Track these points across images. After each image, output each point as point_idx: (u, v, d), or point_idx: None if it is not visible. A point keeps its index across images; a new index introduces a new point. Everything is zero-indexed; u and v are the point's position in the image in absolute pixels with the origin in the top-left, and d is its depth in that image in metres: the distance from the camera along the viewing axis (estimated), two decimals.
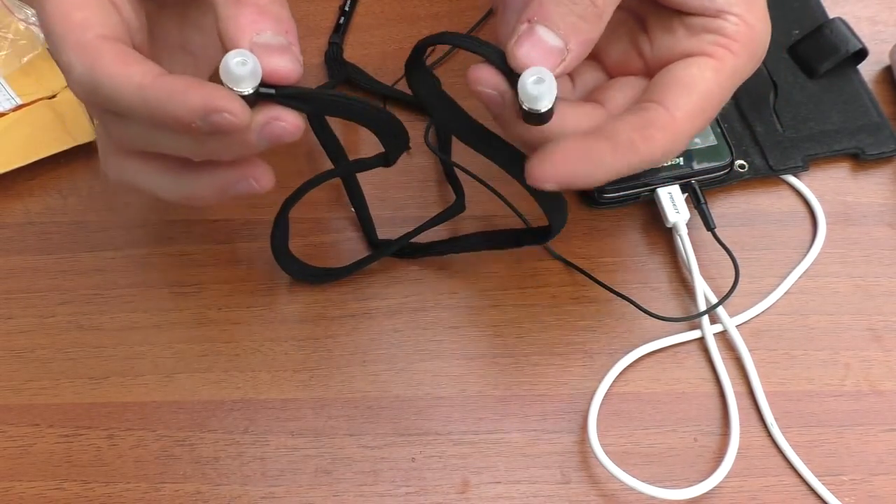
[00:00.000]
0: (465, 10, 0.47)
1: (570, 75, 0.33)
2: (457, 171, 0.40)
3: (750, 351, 0.38)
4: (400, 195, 0.42)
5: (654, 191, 0.40)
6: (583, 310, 0.39)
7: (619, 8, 0.29)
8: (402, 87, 0.44)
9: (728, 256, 0.38)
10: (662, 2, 0.31)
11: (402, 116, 0.43)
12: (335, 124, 0.38)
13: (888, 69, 0.45)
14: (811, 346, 0.38)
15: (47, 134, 0.41)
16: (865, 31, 0.45)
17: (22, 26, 0.44)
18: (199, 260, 0.40)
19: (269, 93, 0.28)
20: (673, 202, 0.40)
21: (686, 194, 0.40)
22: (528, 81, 0.27)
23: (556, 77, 0.28)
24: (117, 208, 0.41)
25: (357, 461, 0.36)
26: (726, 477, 0.35)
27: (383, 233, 0.40)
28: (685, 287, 0.40)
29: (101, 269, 0.40)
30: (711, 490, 0.35)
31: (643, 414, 0.37)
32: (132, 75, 0.27)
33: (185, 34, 0.34)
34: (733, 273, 0.38)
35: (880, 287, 0.40)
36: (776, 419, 0.36)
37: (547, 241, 0.38)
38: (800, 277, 0.40)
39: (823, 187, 0.42)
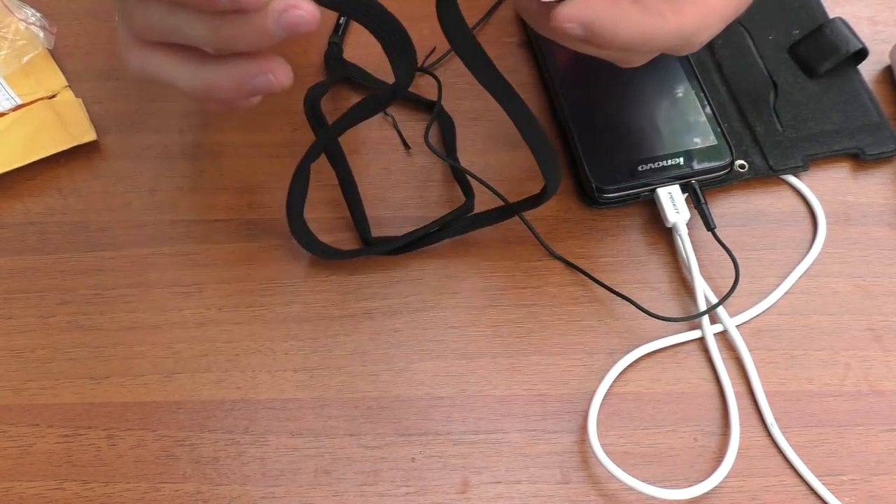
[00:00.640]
0: (466, 10, 0.47)
1: None
2: (460, 168, 0.40)
3: (750, 351, 0.38)
4: (400, 195, 0.42)
5: (654, 191, 0.40)
6: (583, 310, 0.39)
7: None
8: None
9: (728, 256, 0.38)
10: None
11: (404, 112, 0.44)
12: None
13: (888, 69, 0.45)
14: (811, 346, 0.38)
15: (47, 134, 0.41)
16: (865, 31, 0.45)
17: (22, 26, 0.44)
18: (199, 260, 0.40)
19: None
20: (673, 202, 0.40)
21: (686, 194, 0.40)
22: None
23: None
24: (117, 208, 0.41)
25: (357, 461, 0.36)
26: (726, 477, 0.35)
27: (383, 233, 0.40)
28: (685, 287, 0.40)
29: (101, 269, 0.40)
30: (711, 490, 0.35)
31: (643, 414, 0.37)
32: None
33: None
34: (733, 273, 0.38)
35: (880, 287, 0.40)
36: (776, 419, 0.36)
37: (541, 204, 0.38)
38: (800, 277, 0.40)
39: (823, 187, 0.42)
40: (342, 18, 0.46)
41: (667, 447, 0.36)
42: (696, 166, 0.40)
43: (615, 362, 0.37)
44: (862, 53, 0.43)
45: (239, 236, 0.41)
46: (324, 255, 0.39)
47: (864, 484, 0.35)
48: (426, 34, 0.46)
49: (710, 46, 0.45)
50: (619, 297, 0.38)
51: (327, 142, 0.38)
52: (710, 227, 0.39)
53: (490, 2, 0.47)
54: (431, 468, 0.36)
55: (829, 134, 0.42)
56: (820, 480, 0.35)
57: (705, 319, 0.38)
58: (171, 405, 0.37)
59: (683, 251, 0.39)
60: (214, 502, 0.35)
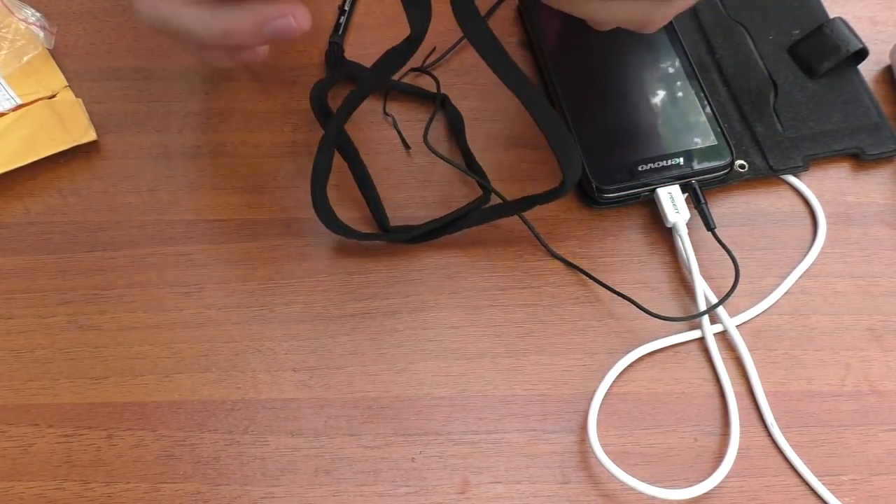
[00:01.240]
0: None
1: None
2: (459, 168, 0.40)
3: (750, 351, 0.38)
4: (400, 195, 0.42)
5: (654, 191, 0.40)
6: (583, 310, 0.39)
7: None
8: (404, 82, 0.44)
9: (728, 256, 0.38)
10: None
11: (404, 112, 0.44)
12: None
13: (888, 69, 0.45)
14: (811, 346, 0.38)
15: (47, 134, 0.41)
16: (866, 31, 0.45)
17: (22, 26, 0.44)
18: (199, 260, 0.40)
19: None
20: (673, 202, 0.40)
21: (686, 194, 0.40)
22: None
23: None
24: (117, 208, 0.41)
25: (357, 461, 0.36)
26: (726, 477, 0.35)
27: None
28: (685, 287, 0.40)
29: (101, 269, 0.40)
30: (711, 490, 0.35)
31: (643, 414, 0.37)
32: None
33: None
34: (733, 273, 0.38)
35: (880, 287, 0.40)
36: (776, 419, 0.36)
37: (561, 196, 0.38)
38: (800, 277, 0.40)
39: (823, 187, 0.42)
40: (342, 18, 0.46)
41: (667, 447, 0.36)
42: (696, 166, 0.40)
43: (615, 362, 0.37)
44: (862, 53, 0.43)
45: (239, 236, 0.41)
46: (344, 235, 0.39)
47: (864, 484, 0.35)
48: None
49: (711, 46, 0.45)
50: (619, 297, 0.38)
51: (360, 101, 0.37)
52: (710, 227, 0.39)
53: (490, 2, 0.47)
54: (431, 468, 0.36)
55: (829, 134, 0.42)
56: (820, 480, 0.35)
57: (705, 319, 0.38)
58: (171, 405, 0.37)
59: (683, 251, 0.39)
60: (214, 502, 0.35)
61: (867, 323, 0.39)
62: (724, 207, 0.41)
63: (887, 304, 0.39)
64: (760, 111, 0.43)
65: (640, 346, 0.38)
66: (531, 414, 0.37)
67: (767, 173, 0.42)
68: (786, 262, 0.40)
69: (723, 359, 0.38)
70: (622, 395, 0.37)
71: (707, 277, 0.39)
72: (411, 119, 0.44)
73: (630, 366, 0.38)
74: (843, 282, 0.40)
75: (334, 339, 0.38)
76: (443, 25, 0.46)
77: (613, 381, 0.37)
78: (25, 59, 0.43)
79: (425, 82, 0.45)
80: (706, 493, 0.35)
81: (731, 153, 0.40)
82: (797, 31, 0.45)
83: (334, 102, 0.44)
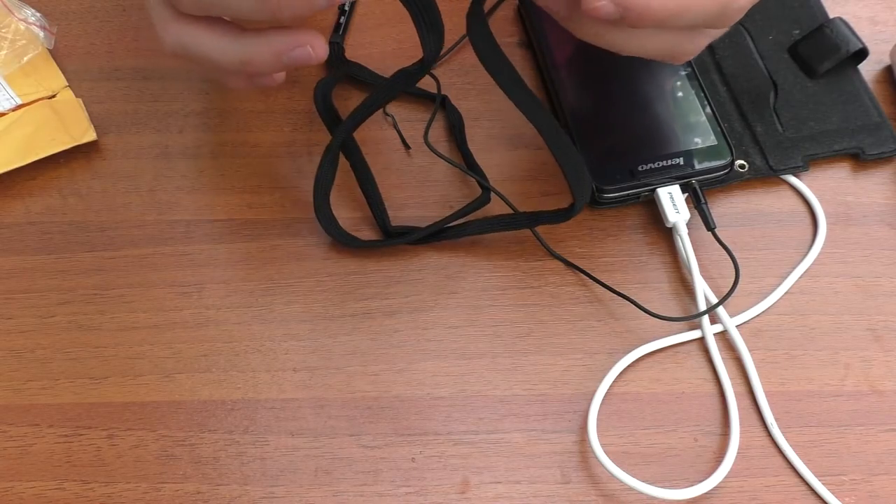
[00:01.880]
0: (465, 9, 0.47)
1: None
2: (459, 168, 0.40)
3: (750, 351, 0.38)
4: (400, 195, 0.42)
5: (654, 191, 0.40)
6: (583, 310, 0.39)
7: None
8: None
9: (728, 256, 0.38)
10: None
11: (404, 112, 0.44)
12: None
13: (888, 69, 0.45)
14: (811, 346, 0.38)
15: (47, 134, 0.41)
16: (866, 31, 0.45)
17: (22, 26, 0.44)
18: (199, 260, 0.40)
19: None
20: (673, 202, 0.39)
21: (686, 194, 0.40)
22: None
23: None
24: (117, 208, 0.41)
25: (357, 461, 0.36)
26: (726, 477, 0.35)
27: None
28: (685, 287, 0.40)
29: (101, 269, 0.40)
30: (711, 490, 0.35)
31: (643, 414, 0.37)
32: None
33: None
34: (733, 273, 0.38)
35: (880, 287, 0.40)
36: (776, 419, 0.36)
37: (569, 218, 0.38)
38: (800, 277, 0.40)
39: (823, 187, 0.42)
40: (342, 18, 0.46)
41: (667, 447, 0.36)
42: (697, 166, 0.40)
43: (615, 362, 0.37)
44: (862, 53, 0.43)
45: (239, 236, 0.41)
46: (347, 243, 0.39)
47: (864, 484, 0.35)
48: None
49: (710, 46, 0.45)
50: (619, 297, 0.38)
51: (366, 117, 0.38)
52: (710, 227, 0.39)
53: (490, 2, 0.47)
54: (431, 468, 0.36)
55: (829, 134, 0.42)
56: (820, 480, 0.35)
57: (705, 319, 0.38)
58: (171, 405, 0.37)
59: (683, 251, 0.39)
60: (214, 502, 0.35)
61: (867, 323, 0.39)
62: (724, 207, 0.41)
63: (887, 304, 0.39)
64: (760, 111, 0.43)
65: (640, 346, 0.38)
66: (531, 414, 0.37)
67: (767, 173, 0.42)
68: (786, 262, 0.40)
69: (723, 359, 0.38)
70: (622, 395, 0.37)
71: (707, 277, 0.39)
72: (411, 119, 0.44)
73: (630, 366, 0.38)
74: (843, 282, 0.40)
75: (334, 339, 0.38)
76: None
77: (613, 381, 0.37)
78: (25, 59, 0.43)
79: (425, 82, 0.44)
80: (706, 493, 0.35)
81: (731, 153, 0.40)
82: (797, 31, 0.45)
83: (336, 103, 0.44)
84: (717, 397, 0.37)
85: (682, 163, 0.40)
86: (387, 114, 0.44)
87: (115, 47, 0.46)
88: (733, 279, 0.38)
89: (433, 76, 0.44)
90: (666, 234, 0.41)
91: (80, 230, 0.41)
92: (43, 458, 0.36)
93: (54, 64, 0.44)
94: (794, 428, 0.36)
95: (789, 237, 0.41)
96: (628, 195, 0.40)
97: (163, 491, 0.35)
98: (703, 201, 0.40)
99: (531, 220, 0.39)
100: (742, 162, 0.42)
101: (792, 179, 0.42)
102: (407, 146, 0.43)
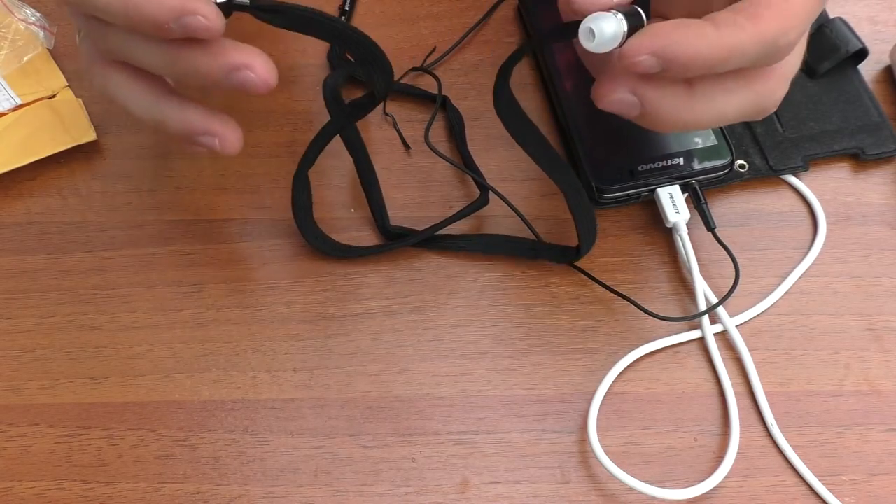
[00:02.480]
0: (466, 9, 0.47)
1: None
2: (460, 168, 0.40)
3: (750, 351, 0.38)
4: (400, 195, 0.42)
5: (654, 191, 0.40)
6: (583, 310, 0.39)
7: None
8: (405, 82, 0.44)
9: (728, 256, 0.38)
10: None
11: (404, 112, 0.44)
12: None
13: (888, 69, 0.45)
14: (811, 346, 0.38)
15: (47, 134, 0.41)
16: (866, 31, 0.45)
17: (22, 26, 0.44)
18: (199, 260, 0.40)
19: (242, 3, 0.29)
20: (673, 202, 0.39)
21: (686, 194, 0.40)
22: (582, 38, 0.29)
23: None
24: (117, 208, 0.41)
25: (357, 461, 0.36)
26: (726, 477, 0.35)
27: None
28: (685, 287, 0.40)
29: (101, 269, 0.40)
30: (711, 490, 0.35)
31: (643, 414, 0.37)
32: None
33: None
34: (733, 273, 0.38)
35: (880, 287, 0.40)
36: (776, 419, 0.36)
37: (573, 261, 0.39)
38: (800, 277, 0.40)
39: (823, 187, 0.42)
40: (342, 18, 0.46)
41: (667, 447, 0.36)
42: (697, 166, 0.40)
43: (615, 362, 0.37)
44: (862, 53, 0.43)
45: (239, 236, 0.41)
46: (342, 255, 0.39)
47: (864, 484, 0.35)
48: (425, 34, 0.46)
49: None
50: (619, 297, 0.38)
51: (321, 148, 0.39)
52: (710, 227, 0.39)
53: (490, 2, 0.47)
54: (431, 468, 0.36)
55: (829, 134, 0.42)
56: (820, 480, 0.35)
57: (705, 319, 0.38)
58: (171, 405, 0.37)
59: (683, 251, 0.39)
60: (214, 502, 0.35)
61: (867, 323, 0.39)
62: (724, 207, 0.41)
63: (887, 304, 0.39)
64: None
65: (640, 346, 0.38)
66: (531, 414, 0.37)
67: (767, 173, 0.42)
68: (786, 262, 0.40)
69: (723, 359, 0.38)
70: (622, 395, 0.37)
71: (707, 277, 0.39)
72: (411, 119, 0.44)
73: (630, 366, 0.38)
74: (843, 282, 0.40)
75: (334, 339, 0.38)
76: (443, 25, 0.47)
77: (613, 381, 0.37)
78: (25, 59, 0.43)
79: (425, 82, 0.45)
80: (706, 493, 0.35)
81: (731, 153, 0.40)
82: None
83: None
84: (717, 397, 0.37)
85: (681, 163, 0.40)
86: (387, 114, 0.44)
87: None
88: (733, 279, 0.38)
89: (435, 76, 0.44)
90: (666, 234, 0.41)
91: (80, 230, 0.41)
92: (43, 458, 0.36)
93: (54, 64, 0.44)
94: (794, 428, 0.36)
95: (789, 237, 0.41)
96: (628, 195, 0.40)
97: (163, 491, 0.35)
98: (703, 201, 0.40)
99: (533, 251, 0.40)
100: (742, 162, 0.42)
101: (792, 179, 0.42)
102: (407, 146, 0.43)
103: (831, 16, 0.45)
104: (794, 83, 0.43)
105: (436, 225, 0.39)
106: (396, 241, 0.40)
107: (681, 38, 0.28)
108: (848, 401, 0.37)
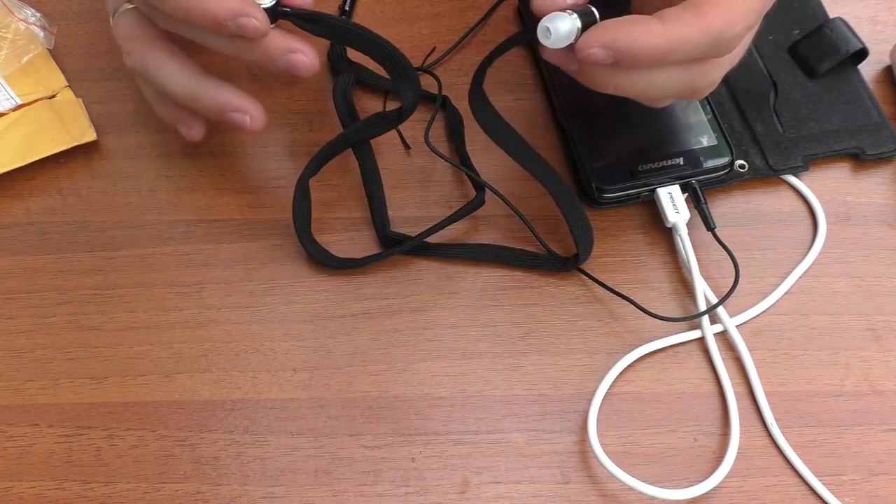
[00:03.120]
0: (465, 9, 0.47)
1: None
2: (460, 168, 0.40)
3: (750, 351, 0.38)
4: (400, 195, 0.42)
5: (654, 191, 0.40)
6: (583, 310, 0.39)
7: None
8: None
9: (728, 256, 0.38)
10: None
11: None
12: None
13: (888, 69, 0.45)
14: (811, 346, 0.38)
15: (47, 134, 0.41)
16: (866, 31, 0.45)
17: (22, 26, 0.44)
18: (199, 260, 0.40)
19: (285, 10, 0.34)
20: (673, 202, 0.39)
21: (686, 194, 0.40)
22: (540, 35, 0.32)
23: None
24: (117, 208, 0.41)
25: (357, 461, 0.36)
26: (726, 477, 0.35)
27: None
28: (685, 287, 0.40)
29: (101, 269, 0.40)
30: (711, 490, 0.35)
31: (643, 414, 0.37)
32: None
33: None
34: (733, 273, 0.38)
35: (880, 287, 0.40)
36: (776, 419, 0.36)
37: (570, 270, 0.39)
38: (800, 277, 0.40)
39: (823, 187, 0.42)
40: (343, 18, 0.46)
41: (667, 447, 0.36)
42: (696, 166, 0.40)
43: (615, 362, 0.37)
44: (862, 53, 0.43)
45: (239, 236, 0.41)
46: (343, 266, 0.39)
47: (864, 484, 0.35)
48: (426, 34, 0.46)
49: None
50: (619, 297, 0.38)
51: (336, 154, 0.39)
52: (710, 227, 0.39)
53: (490, 2, 0.47)
54: (431, 468, 0.36)
55: (829, 134, 0.42)
56: (820, 480, 0.35)
57: (705, 319, 0.38)
58: (171, 405, 0.37)
59: (683, 251, 0.39)
60: (214, 502, 0.35)
61: (867, 323, 0.39)
62: (724, 207, 0.41)
63: (887, 304, 0.39)
64: (760, 111, 0.43)
65: (640, 346, 0.38)
66: (531, 414, 0.37)
67: (767, 173, 0.42)
68: (786, 262, 0.40)
69: (723, 359, 0.38)
70: (622, 395, 0.37)
71: (707, 277, 0.39)
72: (411, 119, 0.43)
73: (630, 366, 0.38)
74: (843, 282, 0.40)
75: (334, 339, 0.38)
76: (443, 25, 0.47)
77: (613, 381, 0.37)
78: (25, 59, 0.43)
79: (425, 82, 0.44)
80: (706, 493, 0.35)
81: (731, 153, 0.40)
82: (797, 31, 0.45)
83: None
84: (717, 397, 0.37)
85: (681, 163, 0.40)
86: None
87: (115, 47, 0.45)
88: (733, 279, 0.38)
89: (435, 76, 0.44)
90: (666, 234, 0.41)
91: (80, 230, 0.41)
92: (43, 458, 0.36)
93: (54, 64, 0.44)
94: (794, 428, 0.36)
95: (789, 237, 0.41)
96: (628, 195, 0.40)
97: (163, 491, 0.35)
98: (703, 201, 0.40)
99: (530, 261, 0.40)
100: (742, 162, 0.42)
101: (792, 179, 0.42)
102: (407, 146, 0.43)
103: (831, 16, 0.45)
104: (794, 83, 0.44)
105: (431, 228, 0.39)
106: (392, 248, 0.39)
107: (628, 31, 0.30)
108: (848, 401, 0.37)
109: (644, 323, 0.38)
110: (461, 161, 0.42)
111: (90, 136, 0.42)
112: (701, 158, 0.40)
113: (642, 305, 0.38)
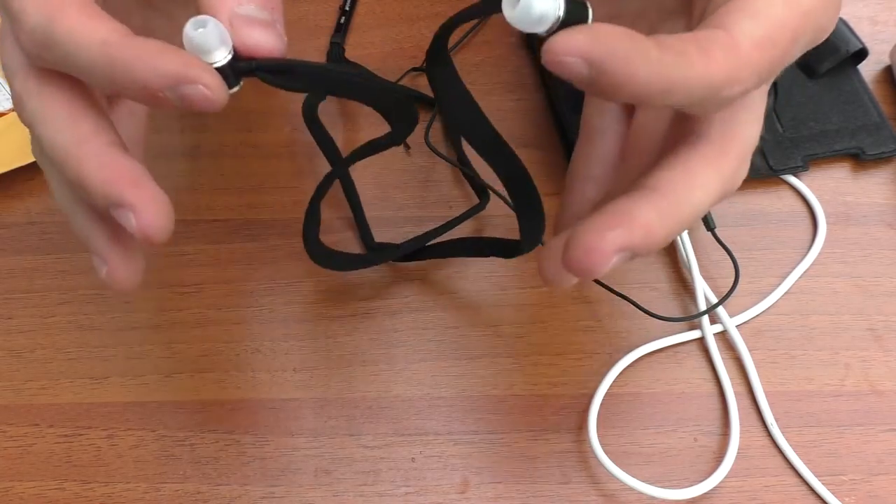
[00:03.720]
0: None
1: None
2: (461, 168, 0.40)
3: (750, 351, 0.38)
4: (400, 195, 0.42)
5: None
6: (583, 310, 0.39)
7: None
8: (405, 83, 0.44)
9: (728, 256, 0.38)
10: None
11: None
12: (332, 116, 0.38)
13: (888, 69, 0.45)
14: (811, 346, 0.38)
15: None
16: (865, 31, 0.45)
17: None
18: (199, 260, 0.40)
19: (247, 67, 0.24)
20: None
21: None
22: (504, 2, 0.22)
23: None
24: None
25: (357, 461, 0.36)
26: (726, 477, 0.35)
27: (384, 234, 0.40)
28: (685, 287, 0.40)
29: None
30: (711, 490, 0.35)
31: (643, 414, 0.37)
32: (97, 31, 0.23)
33: (148, 21, 0.30)
34: (733, 273, 0.38)
35: (880, 287, 0.40)
36: (776, 419, 0.36)
37: (512, 257, 0.35)
38: (800, 277, 0.40)
39: (823, 187, 0.42)
40: (342, 19, 0.46)
41: (667, 447, 0.36)
42: None
43: (615, 362, 0.37)
44: (862, 53, 0.43)
45: (239, 236, 0.41)
46: (350, 268, 0.39)
47: (864, 484, 0.35)
48: (426, 34, 0.46)
49: None
50: (619, 297, 0.38)
51: (333, 180, 0.38)
52: (710, 227, 0.39)
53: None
54: (431, 468, 0.36)
55: (829, 134, 0.42)
56: (820, 480, 0.35)
57: (705, 319, 0.38)
58: (171, 405, 0.37)
59: (683, 251, 0.39)
60: (214, 502, 0.35)
61: (867, 323, 0.39)
62: (724, 207, 0.41)
63: (887, 304, 0.39)
64: None
65: (640, 346, 0.38)
66: (531, 414, 0.37)
67: (767, 173, 0.42)
68: (786, 262, 0.40)
69: (723, 359, 0.38)
70: (622, 395, 0.37)
71: (707, 277, 0.39)
72: None
73: (630, 366, 0.38)
74: (843, 282, 0.40)
75: (334, 339, 0.38)
76: None
77: (613, 381, 0.37)
78: None
79: (425, 82, 0.44)
80: (706, 493, 0.35)
81: None
82: None
83: (341, 105, 0.44)
84: (716, 397, 0.37)
85: None
86: None
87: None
88: (733, 279, 0.38)
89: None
90: None
91: None
92: (43, 458, 0.36)
93: None
94: (794, 428, 0.36)
95: (789, 237, 0.41)
96: None
97: (163, 491, 0.35)
98: None
99: (478, 249, 0.38)
100: None
101: (792, 179, 0.42)
102: (407, 146, 0.43)
103: None
104: (794, 83, 0.44)
105: (429, 233, 0.39)
106: (382, 252, 0.39)
107: (623, 50, 0.21)
108: (848, 401, 0.37)
109: (644, 323, 0.38)
110: (461, 161, 0.42)
111: None
112: None
113: (642, 305, 0.38)
